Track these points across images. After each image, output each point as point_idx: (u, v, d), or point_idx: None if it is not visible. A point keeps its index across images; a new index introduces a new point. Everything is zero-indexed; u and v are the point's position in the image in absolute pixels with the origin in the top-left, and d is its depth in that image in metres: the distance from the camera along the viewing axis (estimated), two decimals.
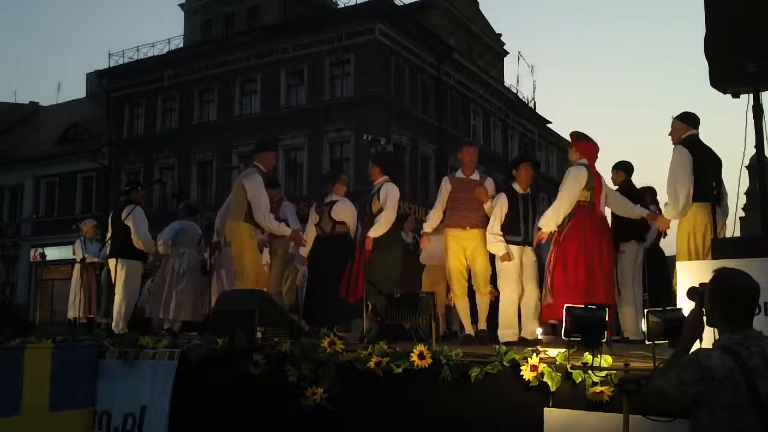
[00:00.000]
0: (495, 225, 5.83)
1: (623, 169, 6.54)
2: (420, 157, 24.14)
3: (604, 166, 6.70)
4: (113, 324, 7.08)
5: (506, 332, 5.74)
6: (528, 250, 5.88)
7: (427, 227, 6.32)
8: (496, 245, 5.80)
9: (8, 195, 30.28)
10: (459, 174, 6.30)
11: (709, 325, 2.66)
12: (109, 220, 7.53)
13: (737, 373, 2.38)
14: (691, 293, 2.80)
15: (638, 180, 6.69)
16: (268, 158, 6.61)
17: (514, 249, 5.80)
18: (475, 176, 6.21)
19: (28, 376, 5.14)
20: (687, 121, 5.21)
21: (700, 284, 2.70)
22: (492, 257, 5.99)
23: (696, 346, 2.73)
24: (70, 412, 5.30)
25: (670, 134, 5.29)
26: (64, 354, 5.45)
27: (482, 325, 6.10)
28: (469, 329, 6.09)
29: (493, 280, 6.08)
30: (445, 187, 6.23)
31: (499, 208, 5.86)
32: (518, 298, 5.80)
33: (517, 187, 5.99)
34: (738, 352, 2.42)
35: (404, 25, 23.49)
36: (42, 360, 5.27)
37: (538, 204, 6.09)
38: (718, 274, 2.64)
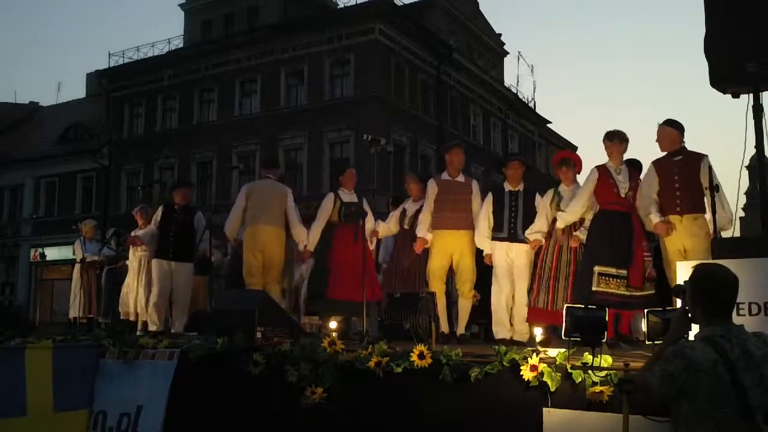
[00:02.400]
0: (481, 224, 5.94)
1: (633, 166, 6.46)
2: (420, 157, 24.14)
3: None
4: (176, 325, 7.17)
5: (499, 329, 5.79)
6: (517, 247, 5.85)
7: (421, 232, 6.21)
8: (482, 242, 5.93)
9: (8, 195, 30.26)
10: (444, 176, 6.33)
11: (693, 321, 2.69)
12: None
13: (720, 364, 2.42)
14: (676, 291, 2.85)
15: None
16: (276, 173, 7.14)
17: (500, 245, 5.86)
18: (461, 178, 6.27)
19: (31, 376, 5.13)
20: (682, 130, 5.16)
21: (684, 282, 2.73)
22: (479, 260, 6.04)
23: None
24: (74, 412, 5.29)
25: (658, 141, 5.22)
26: (64, 354, 5.44)
27: (461, 329, 6.13)
28: (444, 327, 6.03)
29: (477, 284, 6.12)
30: (432, 189, 6.25)
31: (485, 208, 5.97)
32: (506, 297, 5.83)
33: (506, 185, 6.05)
34: (720, 344, 2.47)
35: (404, 25, 23.48)
36: (43, 360, 5.25)
37: (530, 201, 6.02)
38: (697, 270, 2.69)
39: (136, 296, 7.70)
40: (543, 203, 5.85)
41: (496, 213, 5.93)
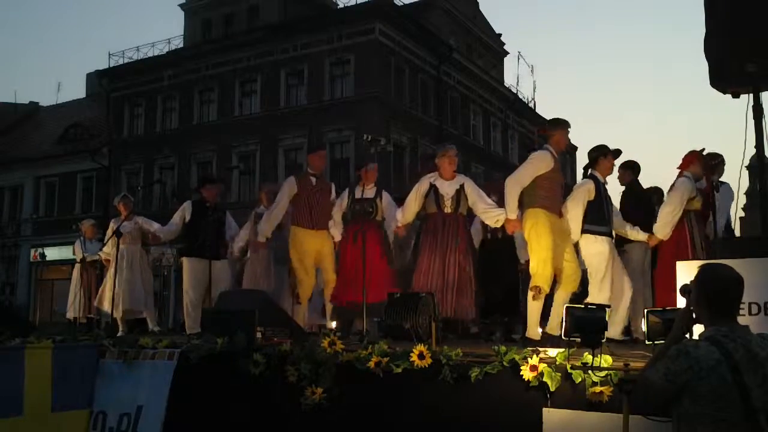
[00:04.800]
0: (581, 212, 5.42)
1: (630, 168, 6.40)
2: (420, 158, 24.14)
3: None
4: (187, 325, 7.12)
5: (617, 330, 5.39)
6: (611, 243, 5.56)
7: (512, 211, 5.36)
8: (577, 232, 5.44)
9: (8, 195, 30.26)
10: (552, 149, 5.43)
11: (697, 321, 2.69)
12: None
13: (723, 364, 2.41)
14: (683, 291, 2.86)
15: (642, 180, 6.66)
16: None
17: (605, 240, 5.45)
18: None
19: (29, 376, 5.13)
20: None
21: (691, 281, 2.73)
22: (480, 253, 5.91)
23: None
24: (71, 412, 5.29)
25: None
26: (64, 354, 5.44)
27: (534, 332, 5.20)
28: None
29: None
30: (547, 161, 5.29)
31: (584, 196, 5.47)
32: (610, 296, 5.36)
33: (598, 176, 5.59)
34: (724, 344, 2.45)
35: (404, 25, 23.48)
36: (42, 360, 5.26)
37: None
38: (703, 269, 2.68)
39: (127, 292, 7.67)
40: (677, 194, 5.49)
41: (598, 205, 5.45)
